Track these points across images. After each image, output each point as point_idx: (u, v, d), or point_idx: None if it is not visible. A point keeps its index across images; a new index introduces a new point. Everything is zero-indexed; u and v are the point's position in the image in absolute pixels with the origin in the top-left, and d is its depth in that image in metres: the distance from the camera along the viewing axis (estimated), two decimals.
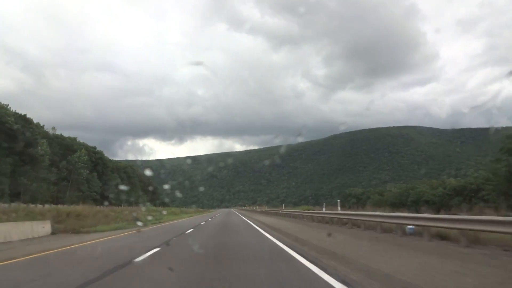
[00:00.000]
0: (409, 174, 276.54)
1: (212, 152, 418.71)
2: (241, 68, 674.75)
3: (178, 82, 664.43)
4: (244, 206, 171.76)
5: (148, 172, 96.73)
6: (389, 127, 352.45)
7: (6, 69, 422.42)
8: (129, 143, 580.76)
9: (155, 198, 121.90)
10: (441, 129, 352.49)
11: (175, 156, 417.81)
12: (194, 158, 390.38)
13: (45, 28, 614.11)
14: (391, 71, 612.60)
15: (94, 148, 73.27)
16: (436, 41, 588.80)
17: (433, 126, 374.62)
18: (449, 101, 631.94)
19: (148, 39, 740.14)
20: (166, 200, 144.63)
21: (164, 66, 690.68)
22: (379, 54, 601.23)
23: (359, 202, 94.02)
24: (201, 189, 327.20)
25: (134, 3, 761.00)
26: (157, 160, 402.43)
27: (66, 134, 73.34)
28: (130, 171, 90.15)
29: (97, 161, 68.46)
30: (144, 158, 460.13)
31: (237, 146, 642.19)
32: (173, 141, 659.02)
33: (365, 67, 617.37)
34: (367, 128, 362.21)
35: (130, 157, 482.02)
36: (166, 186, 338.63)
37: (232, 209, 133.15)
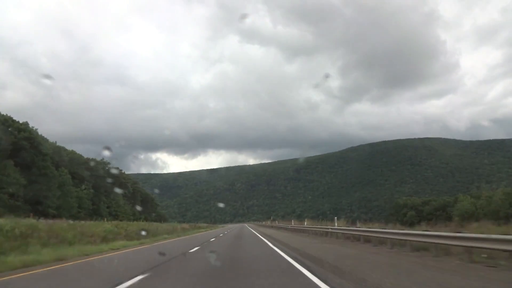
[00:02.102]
0: (435, 188, 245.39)
1: (225, 166, 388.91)
2: (254, 80, 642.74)
3: (189, 94, 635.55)
4: (263, 221, 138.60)
5: (117, 172, 65.50)
6: (410, 138, 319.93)
7: (18, 82, 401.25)
8: (142, 156, 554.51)
9: (150, 211, 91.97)
10: (465, 141, 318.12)
11: (188, 170, 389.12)
12: (207, 172, 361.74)
13: (57, 41, 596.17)
14: (409, 82, 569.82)
15: (26, 124, 43.20)
16: (456, 50, 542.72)
17: (454, 138, 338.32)
18: (467, 113, 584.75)
19: (159, 51, 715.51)
20: (163, 212, 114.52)
21: (175, 79, 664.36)
22: (396, 63, 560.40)
23: (421, 214, 61.84)
24: (221, 205, 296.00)
25: (145, 16, 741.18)
26: (169, 173, 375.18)
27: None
28: (97, 168, 60.73)
29: (20, 143, 39.20)
30: (158, 172, 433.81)
31: (250, 160, 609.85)
32: (186, 155, 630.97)
33: (382, 78, 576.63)
34: (386, 140, 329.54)
35: (143, 170, 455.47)
36: (174, 200, 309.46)
37: (246, 225, 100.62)
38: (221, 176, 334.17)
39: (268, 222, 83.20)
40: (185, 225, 56.86)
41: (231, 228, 69.61)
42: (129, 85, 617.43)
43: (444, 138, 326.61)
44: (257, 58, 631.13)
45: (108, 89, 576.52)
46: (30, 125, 43.99)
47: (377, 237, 14.72)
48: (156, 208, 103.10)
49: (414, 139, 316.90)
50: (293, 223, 42.46)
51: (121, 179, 72.75)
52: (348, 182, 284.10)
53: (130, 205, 75.89)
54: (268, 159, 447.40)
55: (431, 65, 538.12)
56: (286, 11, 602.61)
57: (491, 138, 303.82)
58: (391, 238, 13.18)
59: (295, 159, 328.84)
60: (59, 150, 51.74)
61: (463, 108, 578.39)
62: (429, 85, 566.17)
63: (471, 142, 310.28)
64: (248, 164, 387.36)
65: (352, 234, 18.10)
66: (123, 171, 78.19)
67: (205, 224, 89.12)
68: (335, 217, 32.72)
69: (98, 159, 66.03)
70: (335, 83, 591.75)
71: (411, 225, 52.47)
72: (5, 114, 40.99)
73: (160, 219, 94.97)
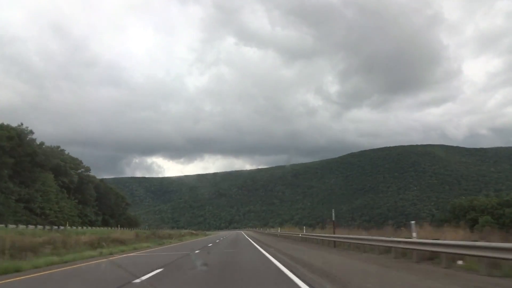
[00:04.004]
0: (440, 195, 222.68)
1: (221, 171, 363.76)
2: (251, 84, 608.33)
3: (185, 97, 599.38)
4: (261, 227, 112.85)
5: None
6: (412, 145, 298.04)
7: (8, 81, 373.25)
8: (137, 160, 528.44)
9: (116, 212, 67.45)
10: (469, 148, 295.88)
11: (183, 174, 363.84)
12: (202, 176, 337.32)
13: (50, 40, 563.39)
14: (410, 88, 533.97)
15: None
16: (457, 56, 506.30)
17: (457, 146, 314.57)
18: (466, 122, 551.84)
19: (154, 52, 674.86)
20: (134, 215, 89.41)
21: (170, 81, 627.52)
22: (398, 68, 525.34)
23: (500, 220, 35.23)
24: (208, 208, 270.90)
25: (141, 17, 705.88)
26: (164, 177, 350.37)
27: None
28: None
29: None
30: (153, 176, 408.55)
31: (247, 166, 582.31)
32: (182, 159, 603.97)
33: (383, 83, 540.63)
34: (387, 146, 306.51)
35: (138, 174, 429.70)
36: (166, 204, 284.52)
37: (243, 233, 75.95)
38: (217, 181, 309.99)
39: (297, 230, 42.14)
40: (129, 233, 30.73)
41: (221, 237, 45.24)
42: (123, 86, 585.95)
43: (447, 145, 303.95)
44: (255, 61, 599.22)
45: (102, 90, 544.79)
46: None
47: None
48: (126, 209, 78.10)
49: (417, 145, 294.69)
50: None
51: (58, 161, 48.38)
52: (349, 188, 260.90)
53: (76, 201, 51.15)
54: (265, 165, 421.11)
55: (433, 71, 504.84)
56: (285, 12, 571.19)
57: (496, 146, 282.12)
58: None
59: (294, 165, 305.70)
60: None
61: (462, 116, 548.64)
62: (431, 92, 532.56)
63: (475, 149, 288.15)
64: (245, 169, 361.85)
65: None
66: (66, 152, 53.86)
67: (183, 231, 63.88)
68: (412, 222, 9.50)
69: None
70: (335, 88, 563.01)
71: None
72: None
73: (130, 223, 70.45)
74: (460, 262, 10.31)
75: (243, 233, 78.10)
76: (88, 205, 57.01)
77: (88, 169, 64.73)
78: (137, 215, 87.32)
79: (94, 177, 64.43)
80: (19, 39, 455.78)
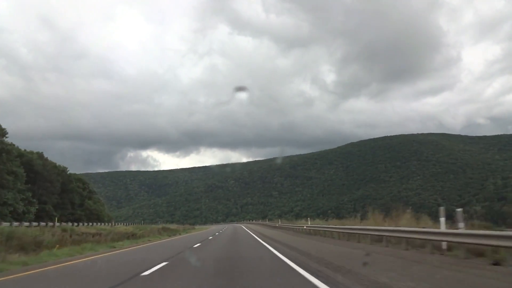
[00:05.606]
0: (445, 184, 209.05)
1: (217, 163, 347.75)
2: (245, 74, 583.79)
3: (178, 89, 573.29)
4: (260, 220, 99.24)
5: None
6: (414, 134, 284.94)
7: None
8: (132, 154, 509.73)
9: (66, 201, 51.50)
10: (472, 136, 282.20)
11: (178, 167, 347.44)
12: (198, 169, 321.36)
13: (38, 31, 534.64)
14: (409, 76, 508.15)
15: None
16: (457, 42, 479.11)
17: (459, 134, 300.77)
18: (463, 111, 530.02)
19: (146, 44, 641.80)
20: (97, 206, 71.42)
21: (163, 72, 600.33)
22: (397, 55, 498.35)
23: None
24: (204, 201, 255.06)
25: (131, 6, 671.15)
26: (159, 171, 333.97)
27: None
28: None
29: None
30: (149, 169, 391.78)
31: (244, 159, 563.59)
32: (178, 153, 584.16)
33: (381, 71, 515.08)
34: (388, 135, 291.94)
35: (133, 168, 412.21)
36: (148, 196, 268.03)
37: (243, 226, 60.82)
38: (214, 174, 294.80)
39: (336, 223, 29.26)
40: None
41: (209, 236, 29.57)
42: (115, 79, 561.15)
43: (449, 134, 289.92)
44: (249, 51, 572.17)
45: (93, 82, 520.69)
46: None
47: None
48: (85, 199, 60.90)
49: (418, 134, 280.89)
50: None
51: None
52: (349, 179, 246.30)
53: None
54: (262, 157, 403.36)
55: (433, 58, 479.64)
56: None
57: (502, 133, 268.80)
58: None
59: (292, 156, 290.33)
60: None
61: (460, 105, 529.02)
62: (429, 80, 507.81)
63: (478, 137, 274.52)
64: (242, 161, 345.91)
65: None
66: None
67: (150, 227, 47.10)
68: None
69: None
70: (332, 77, 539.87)
71: None
72: None
73: (90, 217, 53.90)
74: None
75: (243, 227, 62.00)
76: (9, 190, 38.66)
77: (4, 133, 41.36)
78: (101, 206, 66.41)
79: (20, 148, 42.70)
80: (6, 30, 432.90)
